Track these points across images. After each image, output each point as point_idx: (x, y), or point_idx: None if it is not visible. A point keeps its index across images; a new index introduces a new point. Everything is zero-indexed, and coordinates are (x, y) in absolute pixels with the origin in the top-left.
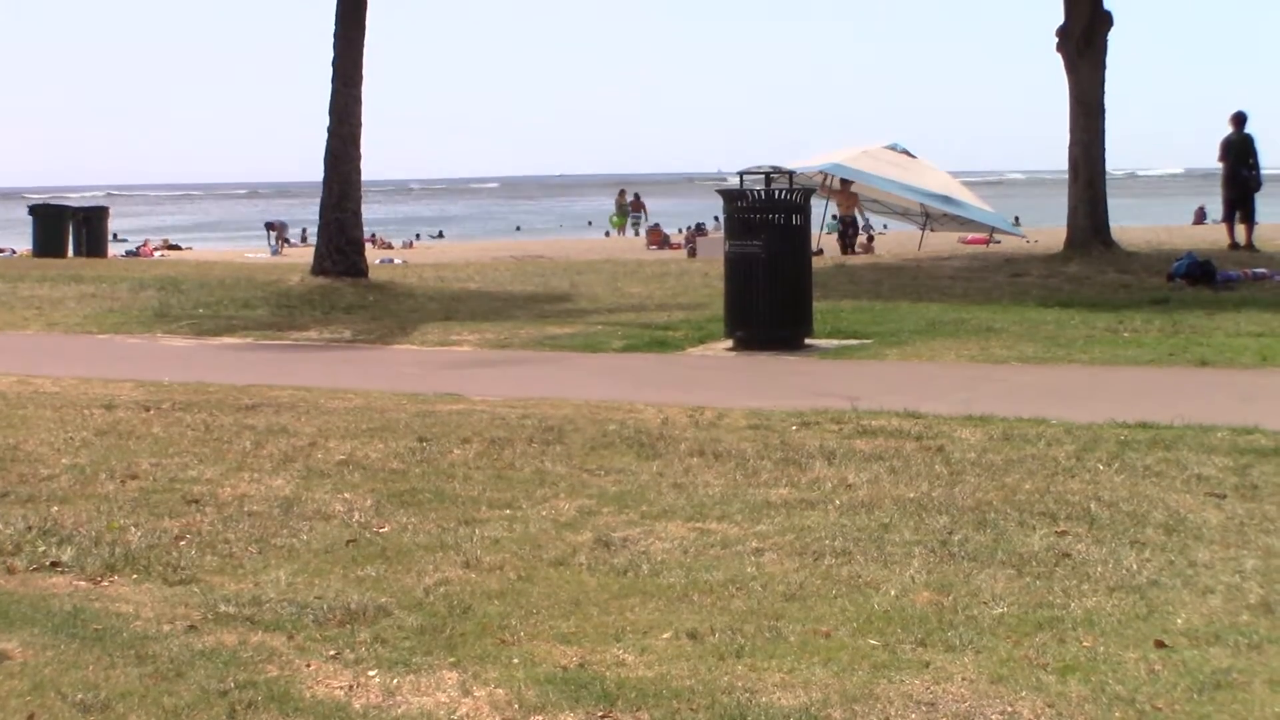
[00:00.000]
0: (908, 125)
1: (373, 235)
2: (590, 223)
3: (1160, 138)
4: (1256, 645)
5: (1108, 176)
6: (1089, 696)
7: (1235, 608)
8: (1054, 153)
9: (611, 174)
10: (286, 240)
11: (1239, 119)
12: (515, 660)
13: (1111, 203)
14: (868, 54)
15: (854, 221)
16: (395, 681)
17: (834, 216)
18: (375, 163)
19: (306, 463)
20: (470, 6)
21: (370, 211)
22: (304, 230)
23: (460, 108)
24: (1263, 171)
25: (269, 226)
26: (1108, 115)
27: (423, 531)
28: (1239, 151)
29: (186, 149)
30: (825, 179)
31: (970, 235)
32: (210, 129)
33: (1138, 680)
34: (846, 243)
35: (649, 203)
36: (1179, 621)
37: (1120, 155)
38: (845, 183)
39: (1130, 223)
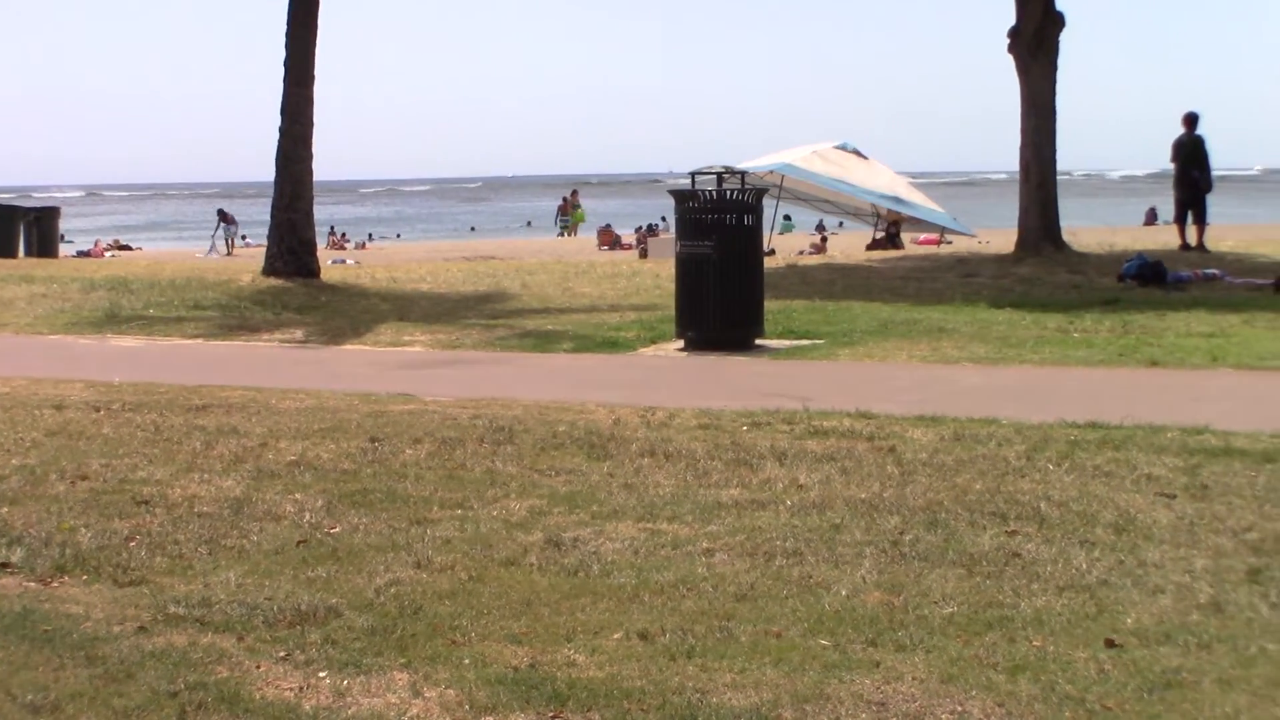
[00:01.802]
0: (859, 125)
1: (336, 230)
2: (530, 223)
3: (1117, 139)
4: (1206, 645)
5: (1065, 177)
6: (1039, 696)
7: (1185, 607)
8: (1007, 153)
9: (564, 174)
10: (240, 239)
11: (1190, 120)
12: (466, 661)
13: (1064, 204)
14: (819, 54)
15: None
16: (346, 682)
17: (885, 223)
18: (326, 163)
19: (257, 463)
20: (418, 6)
21: (322, 212)
22: (244, 236)
23: (413, 107)
24: (1214, 173)
25: (221, 215)
26: (1063, 116)
27: (374, 532)
28: (1190, 153)
29: (151, 149)
30: (782, 180)
31: (922, 235)
32: (177, 128)
33: (1088, 680)
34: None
35: (599, 203)
36: (1129, 621)
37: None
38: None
39: (1082, 224)
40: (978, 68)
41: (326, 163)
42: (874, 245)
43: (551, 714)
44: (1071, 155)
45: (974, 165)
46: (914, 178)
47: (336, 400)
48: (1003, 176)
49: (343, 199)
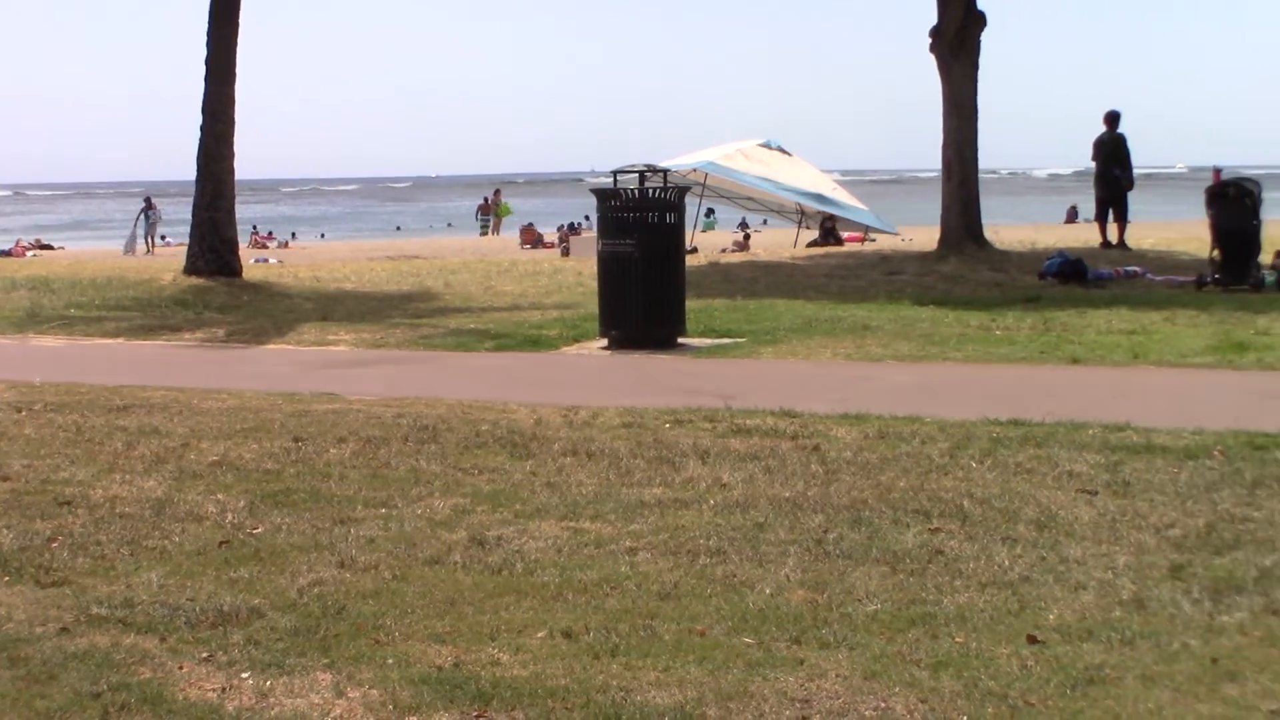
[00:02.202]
0: (783, 123)
1: (259, 229)
2: (450, 224)
3: (1045, 138)
4: (1129, 641)
5: (990, 176)
6: (962, 692)
7: (1107, 604)
8: (934, 151)
9: (486, 174)
10: (160, 238)
11: (1112, 118)
12: (390, 660)
13: (988, 202)
14: (744, 52)
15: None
16: (268, 683)
17: (819, 221)
18: (250, 162)
19: (179, 464)
20: (335, 6)
21: (246, 211)
22: (164, 235)
23: (332, 107)
24: (1136, 170)
25: (147, 202)
26: (990, 115)
27: (297, 532)
28: (1111, 151)
29: (77, 148)
30: (705, 178)
31: (846, 233)
32: (103, 127)
33: (1010, 676)
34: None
35: (523, 202)
36: (1051, 617)
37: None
38: None
39: (1005, 222)
40: (905, 66)
41: (251, 162)
42: (815, 243)
43: (475, 713)
44: (999, 154)
45: (902, 163)
46: (844, 175)
47: (259, 400)
48: (930, 174)
49: (266, 198)
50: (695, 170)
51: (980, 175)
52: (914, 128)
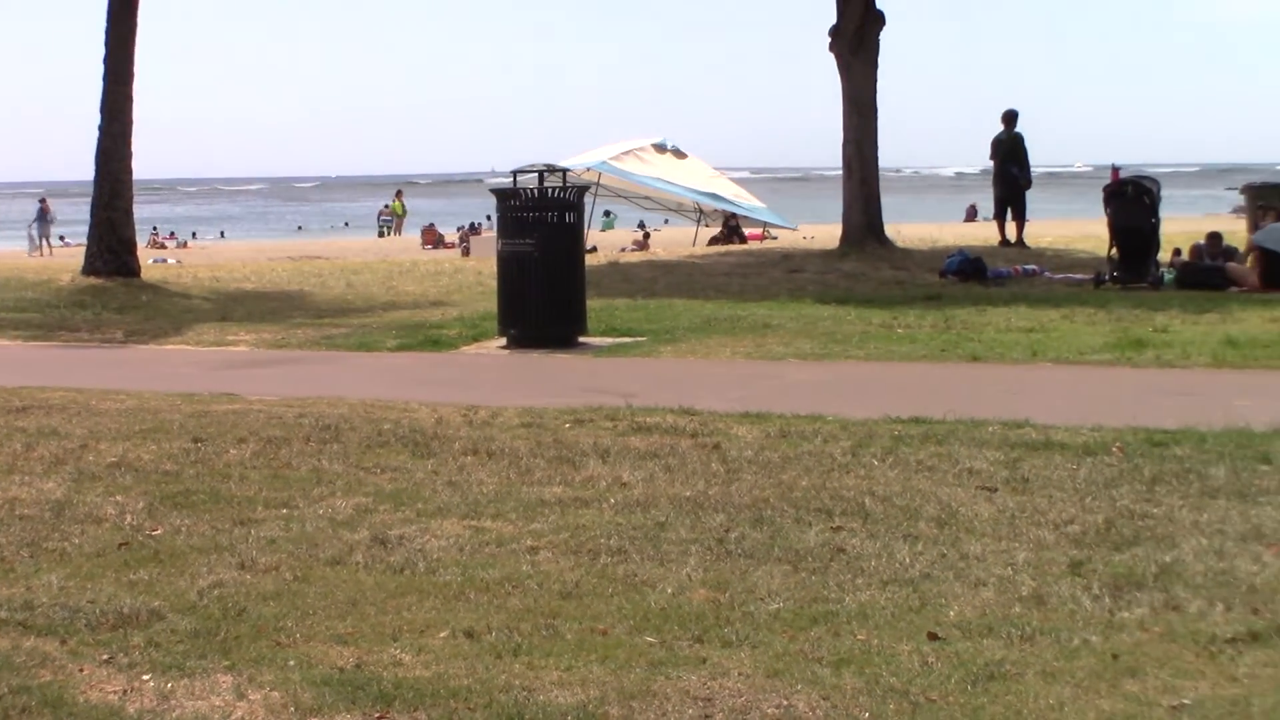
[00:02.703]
0: (680, 123)
1: (159, 230)
2: (347, 223)
3: (953, 136)
4: (1029, 637)
5: (895, 174)
6: (863, 689)
7: (1007, 600)
8: (831, 150)
9: (388, 175)
10: (59, 238)
11: (1009, 118)
12: (291, 662)
13: (893, 200)
14: (641, 52)
15: None
16: (169, 685)
17: (721, 219)
18: (150, 161)
19: (78, 465)
20: (239, 5)
21: (146, 211)
22: (62, 236)
23: (240, 106)
24: (1034, 169)
25: (41, 204)
26: (900, 114)
27: (197, 533)
28: (1009, 150)
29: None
30: (599, 177)
31: (746, 231)
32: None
33: (911, 672)
34: None
35: (425, 203)
36: (952, 614)
37: (914, 154)
38: None
39: (907, 220)
40: (811, 63)
41: (154, 161)
42: (716, 240)
43: (378, 714)
44: (906, 153)
45: (810, 160)
46: (753, 173)
47: (158, 401)
48: (837, 172)
49: (167, 197)
50: (590, 170)
51: (887, 174)
52: (819, 125)
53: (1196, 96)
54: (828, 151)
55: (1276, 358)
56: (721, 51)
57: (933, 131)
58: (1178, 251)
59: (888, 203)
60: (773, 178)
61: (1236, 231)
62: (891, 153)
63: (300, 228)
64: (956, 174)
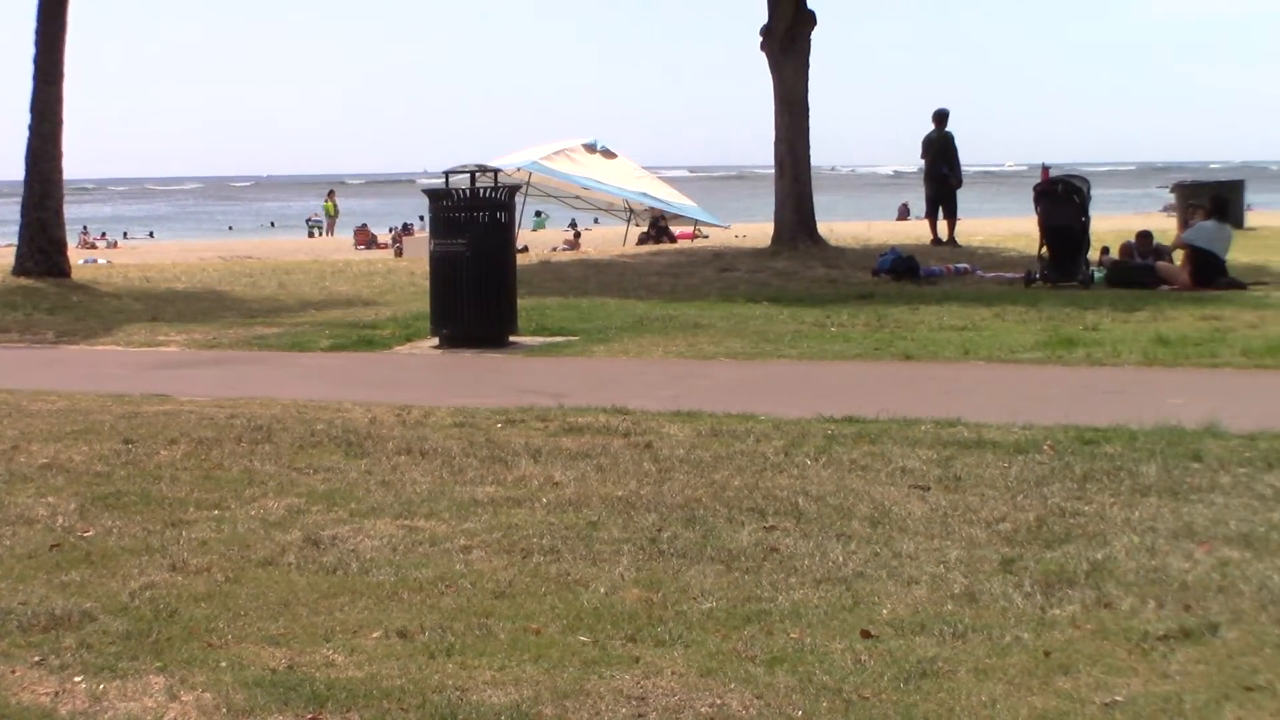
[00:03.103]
0: (617, 123)
1: (89, 229)
2: (273, 224)
3: (893, 135)
4: (961, 634)
5: (832, 173)
6: (797, 687)
7: (940, 597)
8: (767, 148)
9: (319, 175)
10: None
11: (940, 117)
12: (223, 663)
13: (828, 199)
14: (570, 53)
15: None
16: (101, 687)
17: (650, 218)
18: (77, 161)
19: (8, 466)
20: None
21: (74, 211)
22: None
23: (158, 106)
24: (965, 169)
25: None
26: (838, 113)
27: (128, 535)
28: (939, 149)
29: None
30: (530, 177)
31: (678, 230)
32: None
33: (845, 670)
34: None
35: (357, 203)
36: (885, 612)
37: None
38: None
39: (840, 218)
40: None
41: (82, 161)
42: (646, 239)
43: (310, 715)
44: (848, 151)
45: (746, 159)
46: (691, 171)
47: (89, 401)
48: (772, 170)
49: (98, 197)
50: (520, 170)
51: (824, 172)
52: (756, 124)
53: (1135, 95)
54: (764, 150)
55: (1207, 356)
56: (658, 51)
57: (874, 129)
58: (1105, 250)
59: (820, 201)
60: (709, 176)
61: (1168, 230)
62: (831, 152)
63: (231, 228)
64: (895, 172)
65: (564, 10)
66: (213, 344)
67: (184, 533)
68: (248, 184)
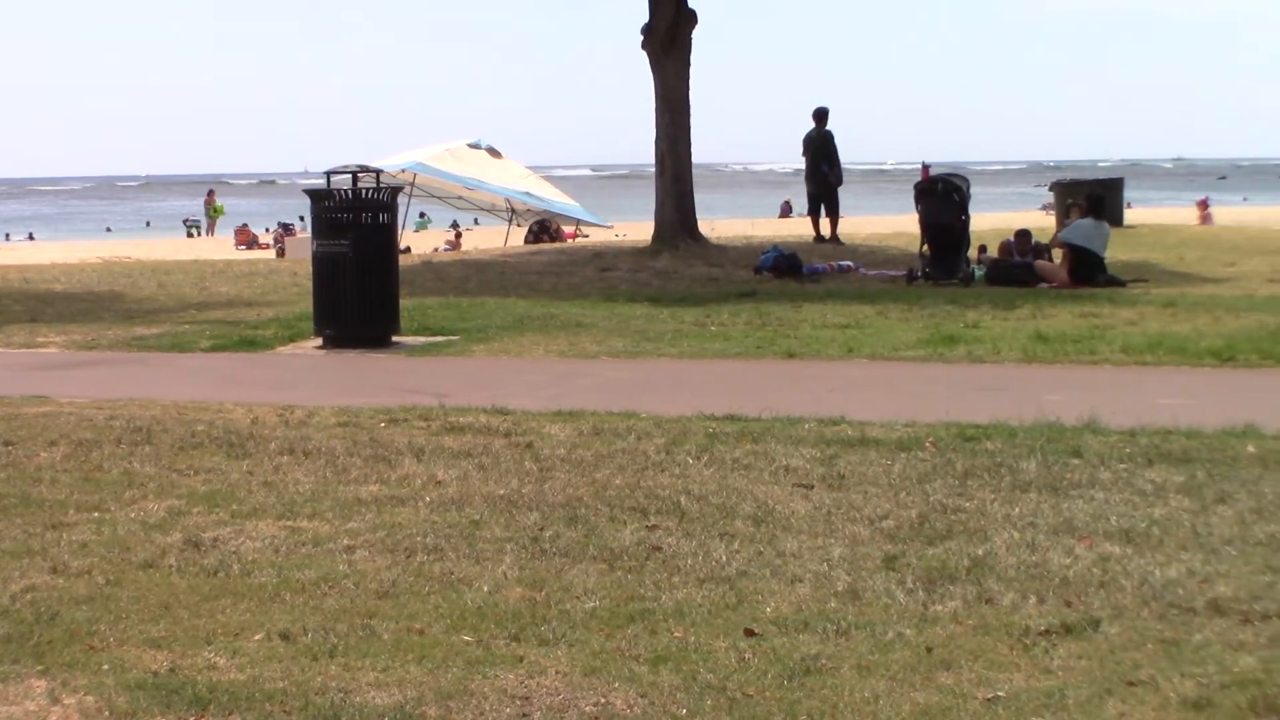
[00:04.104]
0: (494, 123)
1: None
2: (148, 223)
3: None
4: (844, 631)
5: (721, 170)
6: (681, 685)
7: (823, 595)
8: (646, 147)
9: (198, 174)
10: None
11: (820, 115)
12: (105, 666)
13: (715, 197)
14: (451, 53)
15: None
16: None
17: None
18: None
19: None
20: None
21: None
22: None
23: (50, 103)
24: (847, 167)
25: None
26: (736, 111)
27: (8, 537)
28: (820, 147)
29: None
30: (414, 178)
31: (567, 229)
32: None
33: (728, 669)
34: None
35: (240, 202)
36: (768, 610)
37: (749, 151)
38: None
39: (723, 216)
40: (616, 62)
41: None
42: (532, 239)
43: (193, 718)
44: (744, 149)
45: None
46: (594, 170)
47: None
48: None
49: None
50: (404, 170)
51: (715, 170)
52: (623, 124)
53: (1026, 95)
54: (634, 148)
55: (1085, 353)
56: (559, 50)
57: (772, 127)
58: (984, 249)
59: (703, 199)
60: (611, 175)
61: (1047, 228)
62: (720, 150)
63: (109, 229)
64: (795, 170)
65: (457, 6)
66: (92, 345)
67: (64, 535)
68: (137, 183)
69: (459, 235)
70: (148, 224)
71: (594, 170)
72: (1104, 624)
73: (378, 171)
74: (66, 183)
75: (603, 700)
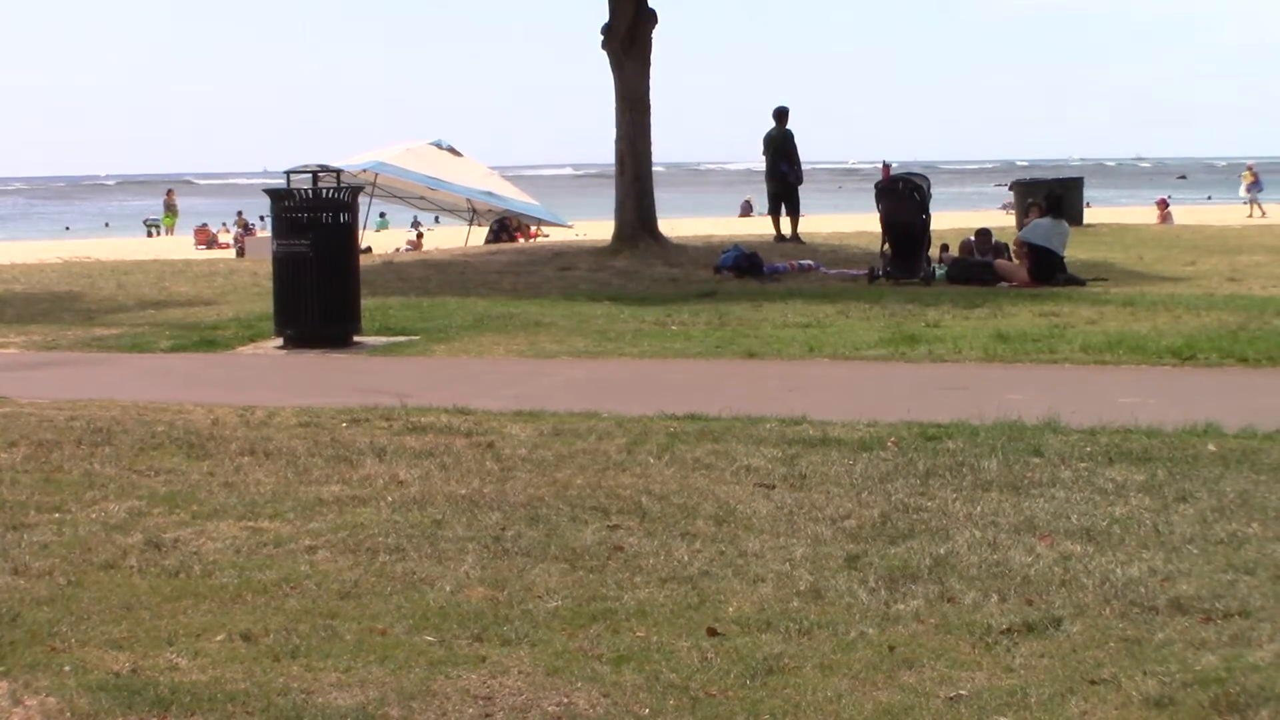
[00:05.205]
0: (455, 123)
1: None
2: (107, 224)
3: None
4: (807, 631)
5: (681, 168)
6: (643, 685)
7: (785, 595)
8: (606, 147)
9: (160, 174)
10: None
11: (780, 114)
12: (66, 668)
13: (677, 196)
14: (411, 52)
15: None
16: None
17: (495, 219)
18: None
19: None
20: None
21: None
22: None
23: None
24: (807, 166)
25: None
26: (700, 110)
27: None
28: (779, 146)
29: None
30: (375, 178)
31: (532, 228)
32: None
33: (691, 668)
34: None
35: (199, 202)
36: (731, 610)
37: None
38: None
39: (685, 216)
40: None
41: None
42: (492, 239)
43: (154, 719)
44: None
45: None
46: (577, 170)
47: None
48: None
49: None
50: (365, 170)
51: (682, 169)
52: (584, 124)
53: (996, 93)
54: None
55: (1046, 352)
56: (536, 48)
57: (738, 126)
58: (945, 248)
59: (663, 198)
60: (588, 174)
61: (1008, 228)
62: (688, 149)
63: (68, 228)
64: (751, 170)
65: (401, 8)
66: (52, 345)
67: (25, 536)
68: (113, 182)
69: (420, 235)
70: (106, 224)
71: (575, 169)
72: (1066, 622)
73: (338, 171)
74: (34, 182)
75: (565, 700)
